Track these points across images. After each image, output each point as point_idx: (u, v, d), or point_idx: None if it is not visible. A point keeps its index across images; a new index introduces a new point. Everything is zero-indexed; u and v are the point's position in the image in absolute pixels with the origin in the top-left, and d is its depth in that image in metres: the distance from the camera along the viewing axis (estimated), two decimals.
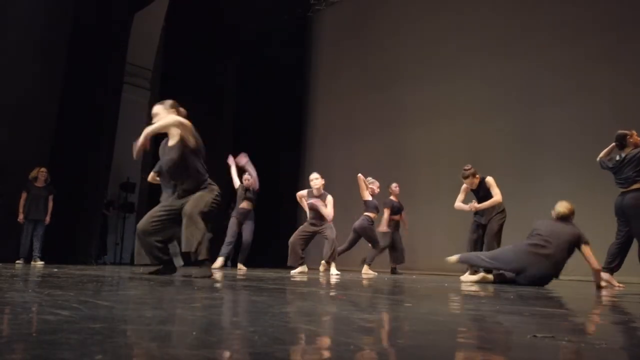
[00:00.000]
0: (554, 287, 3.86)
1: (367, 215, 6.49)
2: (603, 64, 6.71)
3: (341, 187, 8.77)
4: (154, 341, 0.93)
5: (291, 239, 5.69)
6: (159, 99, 10.23)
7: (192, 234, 3.35)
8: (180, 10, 10.11)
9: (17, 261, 6.76)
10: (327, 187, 6.08)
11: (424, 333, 1.20)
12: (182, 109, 3.63)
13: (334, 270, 5.73)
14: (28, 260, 6.88)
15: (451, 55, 8.41)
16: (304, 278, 4.31)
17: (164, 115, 3.48)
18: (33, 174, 7.09)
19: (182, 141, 3.45)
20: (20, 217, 6.96)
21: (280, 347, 0.90)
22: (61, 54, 8.30)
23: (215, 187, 3.64)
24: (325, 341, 1.04)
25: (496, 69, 7.79)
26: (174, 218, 3.56)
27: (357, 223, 6.56)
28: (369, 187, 6.55)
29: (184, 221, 3.40)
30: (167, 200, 3.76)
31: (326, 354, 0.91)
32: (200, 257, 3.39)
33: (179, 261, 5.74)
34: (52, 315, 1.24)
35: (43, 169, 7.15)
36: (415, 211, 7.84)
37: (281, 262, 9.82)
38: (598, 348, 1.07)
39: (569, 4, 7.24)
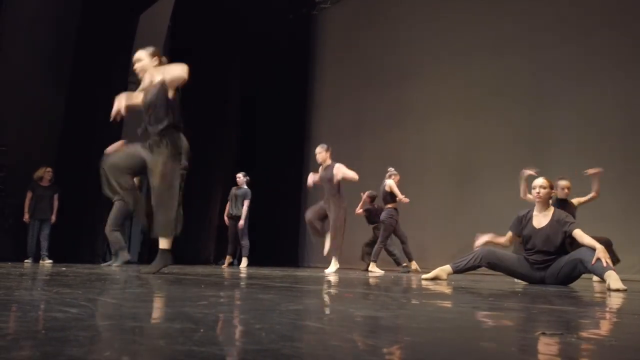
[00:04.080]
0: (560, 285, 3.83)
1: (390, 208, 6.71)
2: (609, 61, 6.66)
3: (346, 184, 8.77)
4: (161, 338, 0.94)
5: (306, 216, 5.69)
6: None
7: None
8: (186, 9, 10.14)
9: (26, 260, 6.81)
10: None
11: (432, 330, 1.20)
12: (164, 58, 3.65)
13: (332, 266, 5.40)
14: (36, 259, 6.93)
15: (458, 53, 8.37)
16: (334, 277, 4.28)
17: (147, 62, 3.51)
18: (39, 173, 7.12)
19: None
20: (26, 216, 7.00)
21: (287, 344, 0.90)
22: (67, 55, 8.35)
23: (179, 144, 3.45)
24: (333, 338, 1.04)
25: (503, 66, 7.75)
26: (134, 161, 3.46)
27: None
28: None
29: (155, 200, 3.34)
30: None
31: (333, 350, 0.90)
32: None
33: (125, 256, 5.69)
34: (60, 313, 1.24)
35: (49, 169, 7.20)
36: (421, 208, 7.82)
37: (284, 260, 9.84)
38: (608, 345, 1.07)
39: (574, 1, 7.19)
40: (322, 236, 5.58)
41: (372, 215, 7.56)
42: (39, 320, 1.15)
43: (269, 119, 10.96)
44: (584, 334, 1.22)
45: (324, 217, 5.63)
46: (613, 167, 6.13)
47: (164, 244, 3.45)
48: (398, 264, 6.92)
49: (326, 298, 2.17)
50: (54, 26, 8.38)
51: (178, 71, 3.36)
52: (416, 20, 9.18)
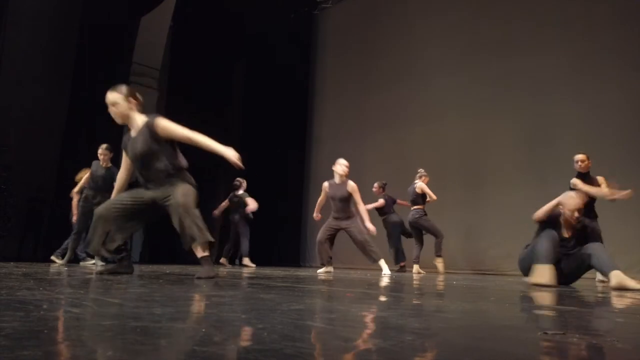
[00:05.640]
0: (561, 285, 3.83)
1: (417, 208, 6.77)
2: (613, 60, 6.65)
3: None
4: (163, 338, 0.94)
5: (318, 237, 5.36)
6: (166, 98, 10.39)
7: (193, 223, 3.11)
8: (187, 9, 10.15)
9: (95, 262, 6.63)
10: None
11: (433, 330, 1.20)
12: (138, 96, 3.40)
13: (385, 267, 5.26)
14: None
15: (459, 53, 8.36)
16: (329, 277, 4.29)
17: (123, 104, 3.29)
18: (82, 175, 6.92)
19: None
20: (75, 218, 6.72)
21: (289, 343, 0.90)
22: (69, 56, 8.37)
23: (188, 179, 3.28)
24: (335, 338, 1.04)
25: (506, 66, 7.74)
26: (140, 209, 3.27)
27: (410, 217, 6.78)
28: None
29: (179, 211, 3.08)
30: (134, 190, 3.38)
31: (335, 350, 0.91)
32: (202, 241, 3.13)
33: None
34: (63, 313, 1.24)
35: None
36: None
37: (286, 260, 9.85)
38: (610, 345, 1.06)
39: (579, 1, 7.18)
40: (329, 260, 5.42)
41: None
42: (41, 320, 1.15)
43: (270, 119, 10.95)
44: (586, 334, 1.22)
45: (333, 238, 5.39)
46: (614, 167, 6.12)
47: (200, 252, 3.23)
48: (397, 261, 6.98)
49: (328, 298, 2.17)
50: (56, 27, 8.41)
51: (171, 127, 3.20)
52: (419, 19, 9.16)
